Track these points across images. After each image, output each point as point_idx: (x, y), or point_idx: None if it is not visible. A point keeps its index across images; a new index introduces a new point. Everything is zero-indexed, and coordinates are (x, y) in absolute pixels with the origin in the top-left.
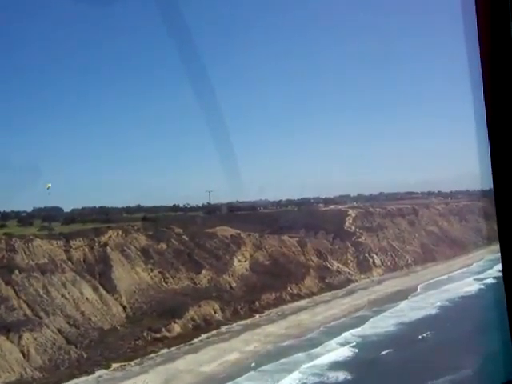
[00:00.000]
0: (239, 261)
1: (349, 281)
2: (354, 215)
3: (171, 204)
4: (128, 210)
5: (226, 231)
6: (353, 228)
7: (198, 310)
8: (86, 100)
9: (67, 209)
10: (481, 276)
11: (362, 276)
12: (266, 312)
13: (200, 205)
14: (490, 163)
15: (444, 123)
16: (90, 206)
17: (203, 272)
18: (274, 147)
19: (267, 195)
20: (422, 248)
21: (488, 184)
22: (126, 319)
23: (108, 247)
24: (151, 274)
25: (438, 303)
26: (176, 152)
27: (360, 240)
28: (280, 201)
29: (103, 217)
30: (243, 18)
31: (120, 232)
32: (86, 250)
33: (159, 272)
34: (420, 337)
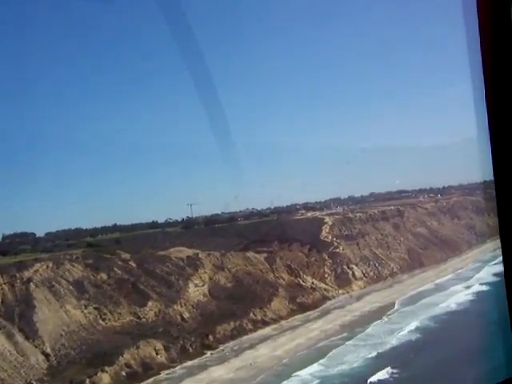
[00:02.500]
0: (196, 286)
1: (324, 298)
2: (330, 223)
3: (151, 220)
4: (103, 230)
5: (181, 252)
6: (330, 237)
7: (135, 353)
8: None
9: (41, 233)
10: (472, 282)
11: (341, 291)
12: (221, 347)
13: (180, 219)
14: (490, 156)
15: (439, 114)
16: (65, 229)
17: (149, 304)
18: (261, 152)
19: (255, 204)
20: (408, 253)
21: (488, 176)
22: (47, 371)
23: (32, 284)
24: (85, 311)
25: (417, 324)
26: (159, 164)
27: (337, 250)
28: (268, 208)
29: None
30: (242, 18)
31: (50, 264)
32: (6, 288)
33: (95, 308)
34: (384, 375)
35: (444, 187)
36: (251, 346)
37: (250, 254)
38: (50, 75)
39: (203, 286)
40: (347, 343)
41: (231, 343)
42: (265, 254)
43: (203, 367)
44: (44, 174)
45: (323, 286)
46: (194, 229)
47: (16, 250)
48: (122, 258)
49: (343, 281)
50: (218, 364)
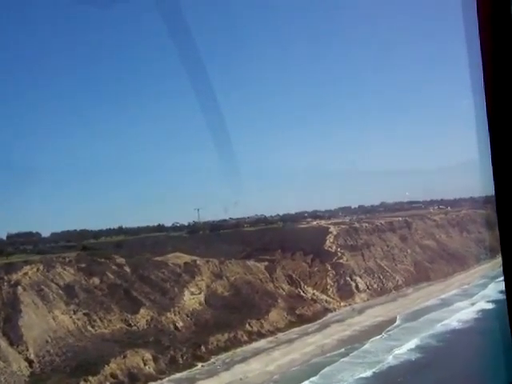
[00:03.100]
0: (192, 294)
1: (325, 311)
2: (335, 232)
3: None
4: (108, 232)
5: (179, 258)
6: (334, 247)
7: (122, 362)
8: (81, 112)
9: (47, 233)
10: (477, 299)
11: (343, 303)
12: (213, 359)
13: (187, 224)
14: (491, 169)
15: (446, 127)
16: (70, 230)
17: (141, 311)
18: (271, 157)
19: (264, 210)
20: (414, 266)
21: (489, 191)
22: (29, 378)
23: (19, 287)
24: (74, 316)
25: (417, 342)
26: (168, 167)
27: (341, 261)
28: (276, 215)
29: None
30: (245, 25)
31: (41, 267)
32: None
33: (84, 314)
34: None
35: (455, 199)
36: (243, 360)
37: (251, 262)
38: (56, 79)
39: (199, 294)
40: (342, 360)
41: (223, 355)
42: (266, 263)
43: (191, 380)
44: (53, 174)
45: (324, 297)
46: (199, 234)
47: (14, 251)
48: (117, 263)
49: (346, 293)
50: (208, 377)
